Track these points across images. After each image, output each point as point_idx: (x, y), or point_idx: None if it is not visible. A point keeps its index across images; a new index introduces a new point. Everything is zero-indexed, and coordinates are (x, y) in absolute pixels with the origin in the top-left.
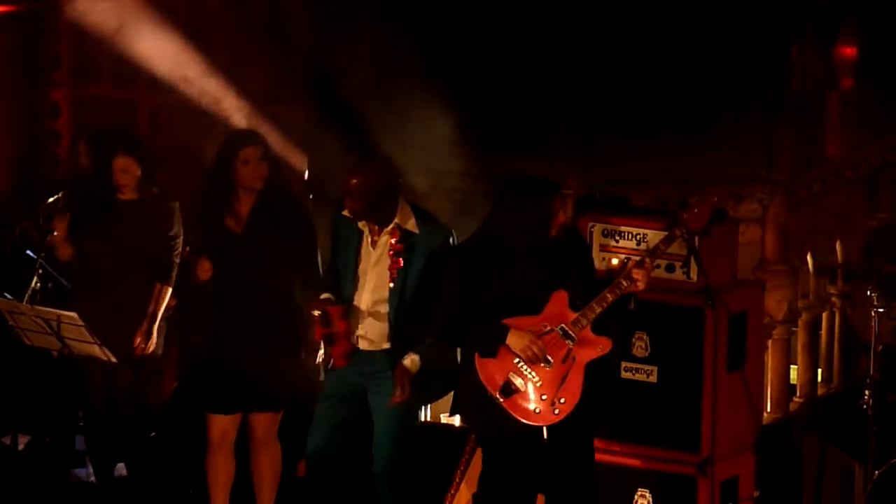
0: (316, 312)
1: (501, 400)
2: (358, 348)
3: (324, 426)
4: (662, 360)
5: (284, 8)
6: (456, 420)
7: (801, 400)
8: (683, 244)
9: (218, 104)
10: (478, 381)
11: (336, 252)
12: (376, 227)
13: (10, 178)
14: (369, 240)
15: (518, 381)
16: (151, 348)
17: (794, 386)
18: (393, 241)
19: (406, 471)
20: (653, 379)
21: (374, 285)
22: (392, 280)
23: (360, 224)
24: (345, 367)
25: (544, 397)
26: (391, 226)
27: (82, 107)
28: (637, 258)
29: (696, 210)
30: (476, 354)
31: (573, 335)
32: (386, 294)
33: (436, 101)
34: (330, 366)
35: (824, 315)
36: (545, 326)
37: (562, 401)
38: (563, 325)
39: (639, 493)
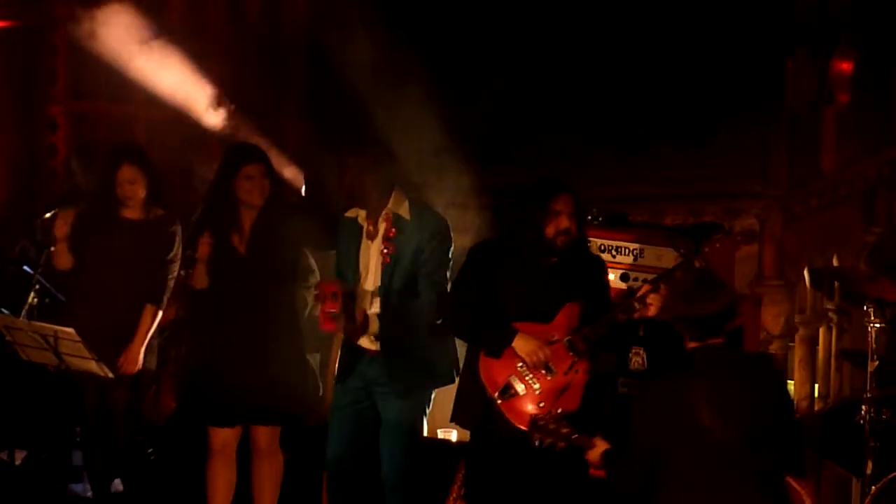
0: (315, 291)
1: (499, 401)
2: (363, 347)
3: (338, 438)
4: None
5: (283, 24)
6: (453, 435)
7: (797, 415)
8: (681, 259)
9: (214, 120)
10: (477, 385)
11: (339, 254)
12: (372, 218)
13: (8, 191)
14: (367, 233)
15: (518, 386)
16: (135, 369)
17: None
18: (387, 227)
19: (414, 477)
20: None
21: (374, 275)
22: (384, 265)
23: (360, 219)
24: (349, 375)
25: (542, 405)
26: (384, 211)
27: (79, 122)
28: (649, 281)
29: (718, 245)
30: (481, 354)
31: (579, 349)
32: None
33: (432, 116)
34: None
35: (821, 330)
36: (553, 336)
37: (559, 411)
38: (570, 337)
39: None
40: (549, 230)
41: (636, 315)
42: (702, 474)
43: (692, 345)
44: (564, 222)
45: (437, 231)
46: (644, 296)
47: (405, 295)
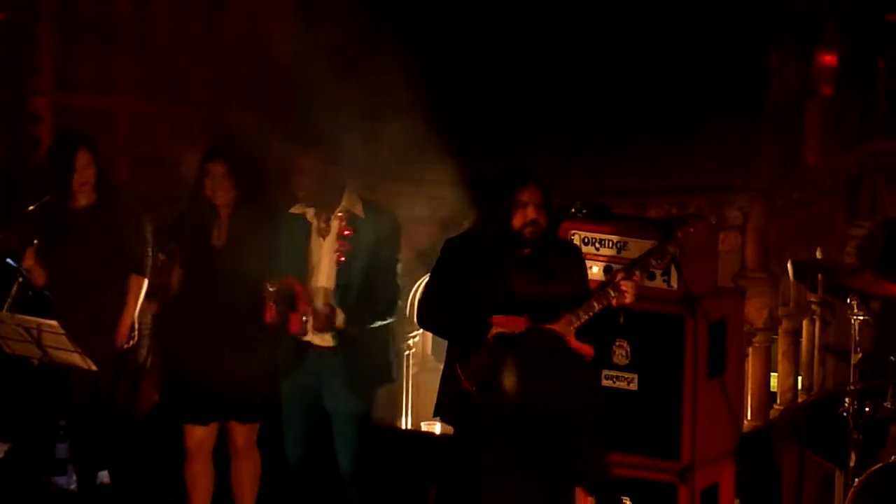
0: (271, 288)
1: (476, 394)
2: (310, 343)
3: (295, 436)
4: (643, 368)
5: (267, 14)
6: (437, 428)
7: (781, 407)
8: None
9: (198, 111)
10: (458, 381)
11: (286, 253)
12: (324, 215)
13: None
14: (317, 231)
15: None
16: (130, 341)
17: (775, 393)
18: (341, 226)
19: (368, 468)
20: (633, 387)
21: (327, 274)
22: (338, 263)
23: (308, 216)
24: (296, 371)
25: None
26: (338, 209)
27: (63, 115)
28: (622, 268)
29: (692, 230)
30: (457, 348)
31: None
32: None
33: (417, 110)
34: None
35: (804, 322)
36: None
37: None
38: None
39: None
40: (517, 221)
41: (614, 302)
42: (503, 438)
43: (530, 324)
44: (532, 213)
45: (393, 229)
46: (618, 283)
47: (362, 293)
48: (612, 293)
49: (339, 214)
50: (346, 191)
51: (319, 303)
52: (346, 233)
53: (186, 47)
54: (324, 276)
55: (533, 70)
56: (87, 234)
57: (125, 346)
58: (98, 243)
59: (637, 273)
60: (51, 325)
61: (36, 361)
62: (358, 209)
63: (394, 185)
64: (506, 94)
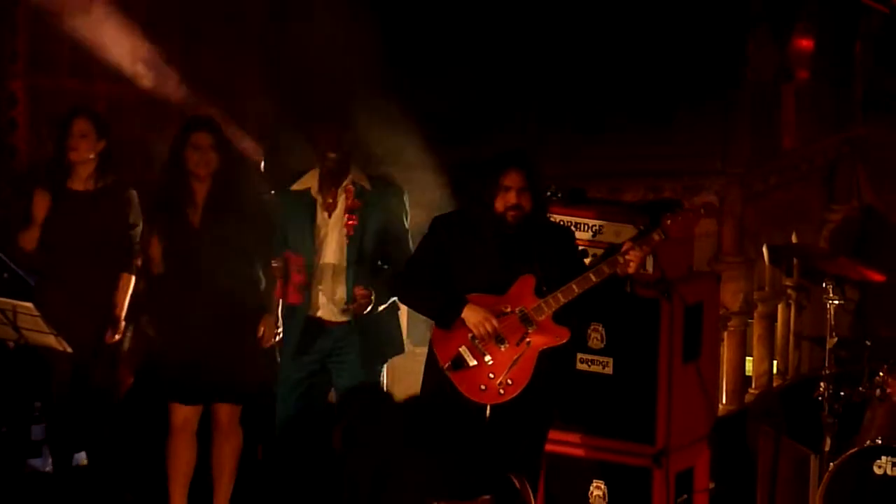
0: (276, 264)
1: (450, 372)
2: (322, 320)
3: (289, 412)
4: (618, 352)
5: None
6: None
7: (756, 391)
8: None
9: (174, 96)
10: (433, 358)
11: (290, 230)
12: (331, 190)
13: None
14: (323, 206)
15: (469, 357)
16: (120, 336)
17: (750, 377)
18: (349, 198)
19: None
20: (608, 370)
21: (335, 247)
22: (348, 237)
23: (313, 191)
24: (306, 352)
25: (492, 376)
26: (346, 181)
27: (39, 97)
28: (629, 239)
29: (680, 219)
30: (434, 324)
31: (532, 320)
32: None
33: (391, 94)
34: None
35: (780, 307)
36: (506, 307)
37: (509, 382)
38: (523, 308)
39: (594, 484)
40: (498, 205)
41: (618, 271)
42: None
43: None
44: (513, 198)
45: (401, 199)
46: (600, 267)
47: (373, 265)
48: (594, 277)
49: (347, 187)
50: (350, 163)
51: (333, 285)
52: (354, 206)
53: (160, 29)
54: (331, 253)
55: (508, 55)
56: (82, 223)
57: (113, 340)
58: (88, 233)
59: (620, 259)
60: (26, 307)
61: (11, 344)
62: (365, 181)
63: (368, 170)
64: (479, 78)
